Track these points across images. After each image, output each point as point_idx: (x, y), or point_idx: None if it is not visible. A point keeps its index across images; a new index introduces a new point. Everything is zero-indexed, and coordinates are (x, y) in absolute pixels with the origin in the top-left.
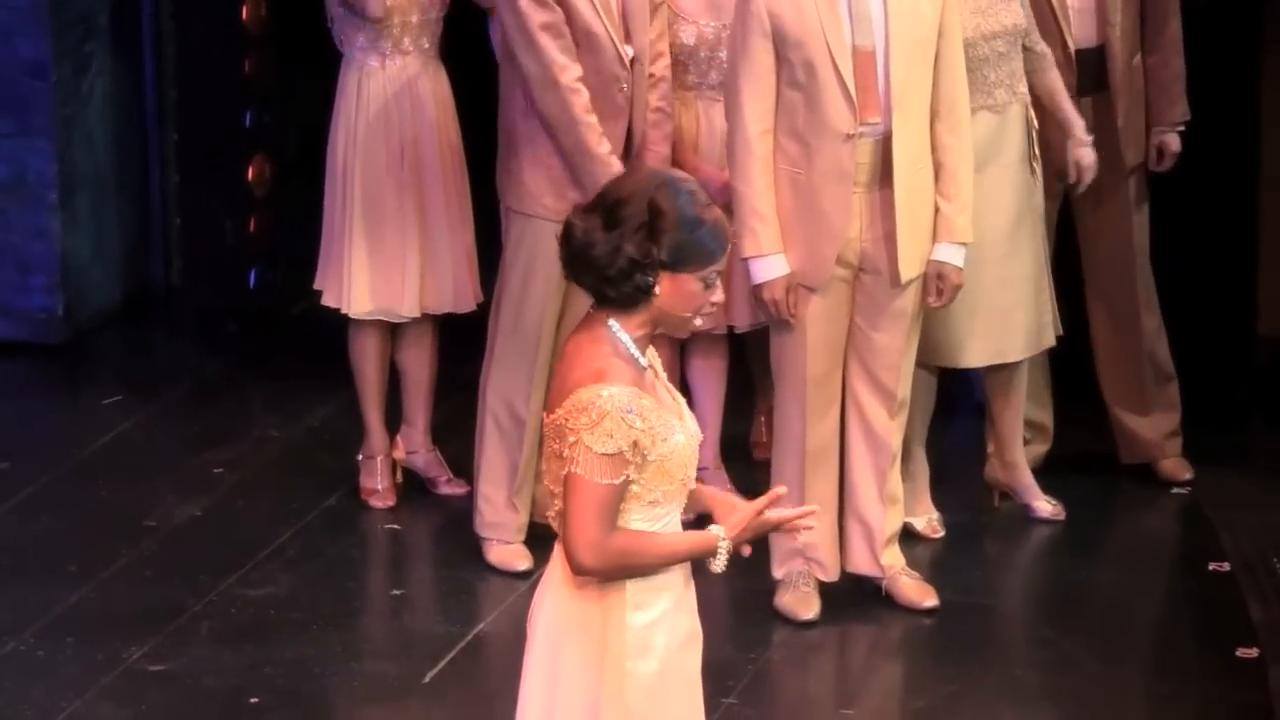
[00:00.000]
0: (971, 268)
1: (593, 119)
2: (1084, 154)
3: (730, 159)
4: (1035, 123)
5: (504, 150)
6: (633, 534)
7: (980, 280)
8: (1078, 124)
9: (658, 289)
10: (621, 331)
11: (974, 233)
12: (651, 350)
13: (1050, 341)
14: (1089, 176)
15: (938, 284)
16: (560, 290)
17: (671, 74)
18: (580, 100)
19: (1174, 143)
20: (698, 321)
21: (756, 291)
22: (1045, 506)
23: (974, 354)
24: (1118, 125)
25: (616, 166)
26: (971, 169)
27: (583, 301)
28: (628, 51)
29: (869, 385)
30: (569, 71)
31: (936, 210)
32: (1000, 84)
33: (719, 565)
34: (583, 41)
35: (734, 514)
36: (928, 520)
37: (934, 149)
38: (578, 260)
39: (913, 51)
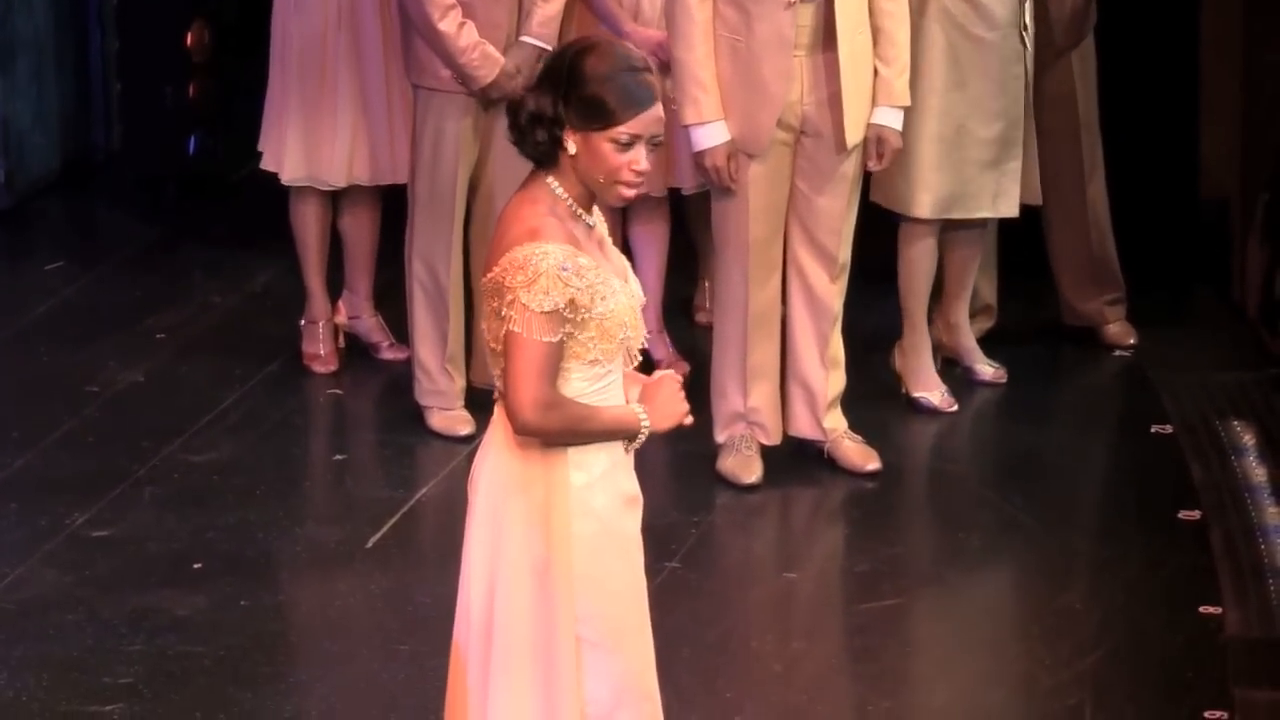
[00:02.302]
0: (942, 119)
1: None
2: None
3: (670, 26)
4: None
5: (402, 25)
6: (575, 403)
7: (949, 135)
8: None
9: (570, 147)
10: (560, 189)
11: (951, 85)
12: (597, 210)
13: (1009, 211)
14: None
15: (877, 147)
16: (470, 158)
17: None
18: None
19: None
20: (625, 191)
21: (697, 159)
22: (987, 370)
23: (928, 205)
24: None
25: (463, 41)
26: (908, 33)
27: (495, 169)
28: None
29: (810, 249)
30: None
31: (875, 74)
32: None
33: (636, 445)
34: None
35: (656, 392)
36: (940, 394)
37: (872, 13)
38: (508, 118)
39: None
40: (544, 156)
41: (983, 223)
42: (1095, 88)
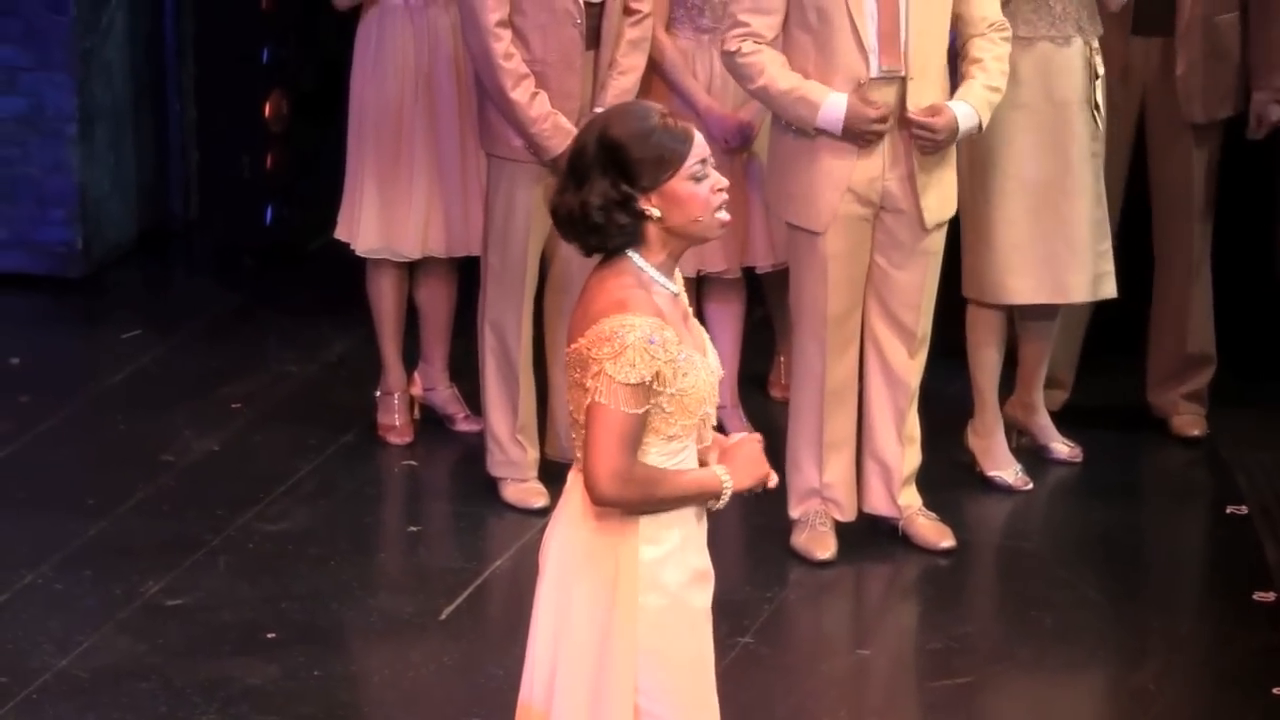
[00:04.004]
0: (1025, 202)
1: (511, 64)
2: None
3: (735, 77)
4: (1099, 70)
5: (477, 94)
6: (654, 469)
7: (1034, 217)
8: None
9: (655, 212)
10: (642, 260)
11: (1030, 167)
12: (679, 276)
13: (1110, 292)
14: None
15: (932, 112)
16: (543, 227)
17: (687, 17)
18: (500, 45)
19: (1274, 112)
20: (721, 216)
21: (849, 132)
22: (1062, 448)
23: (1022, 291)
24: (1176, 74)
25: (535, 111)
26: (1006, 77)
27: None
28: None
29: (888, 324)
30: (495, 13)
31: (957, 86)
32: (1067, 18)
33: (719, 505)
34: None
35: (736, 453)
36: (1014, 472)
37: (973, 54)
38: (571, 230)
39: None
40: (629, 239)
41: (1056, 308)
42: (1213, 181)
